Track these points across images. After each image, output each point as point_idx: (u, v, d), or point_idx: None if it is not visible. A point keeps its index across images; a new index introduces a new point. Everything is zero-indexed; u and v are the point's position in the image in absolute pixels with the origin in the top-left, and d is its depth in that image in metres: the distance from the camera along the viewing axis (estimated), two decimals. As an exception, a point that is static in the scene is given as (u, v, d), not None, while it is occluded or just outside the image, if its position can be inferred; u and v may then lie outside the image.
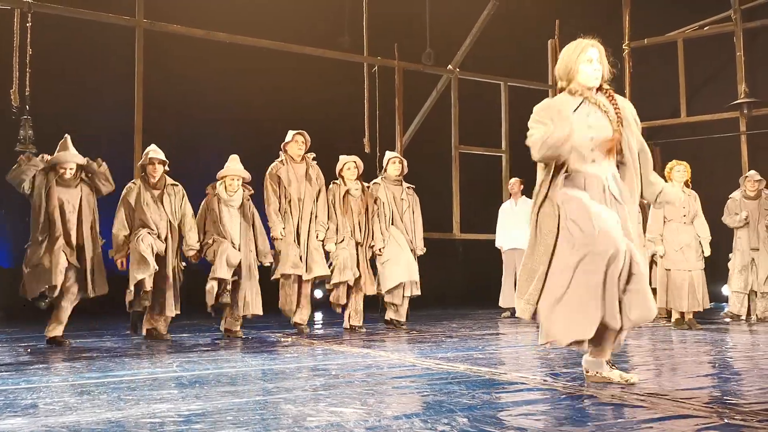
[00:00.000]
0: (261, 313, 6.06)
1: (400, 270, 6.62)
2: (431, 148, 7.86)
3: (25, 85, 6.95)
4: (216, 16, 8.65)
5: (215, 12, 8.70)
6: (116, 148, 7.75)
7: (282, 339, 5.80)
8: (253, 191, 6.10)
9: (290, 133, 6.28)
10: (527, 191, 8.41)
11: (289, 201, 6.22)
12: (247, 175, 6.02)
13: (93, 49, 8.09)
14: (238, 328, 6.03)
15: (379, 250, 6.65)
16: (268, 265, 6.20)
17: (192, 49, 8.08)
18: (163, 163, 5.75)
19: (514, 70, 9.85)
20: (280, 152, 6.31)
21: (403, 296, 6.74)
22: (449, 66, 9.17)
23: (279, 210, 6.17)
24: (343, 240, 6.49)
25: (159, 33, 7.74)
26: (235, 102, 8.46)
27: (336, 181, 6.67)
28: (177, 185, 5.83)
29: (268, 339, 5.85)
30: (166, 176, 5.82)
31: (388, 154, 6.99)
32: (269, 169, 6.24)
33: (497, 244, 8.39)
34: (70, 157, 5.34)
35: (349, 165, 6.67)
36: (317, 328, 7.03)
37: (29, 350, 5.10)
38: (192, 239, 5.80)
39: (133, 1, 7.38)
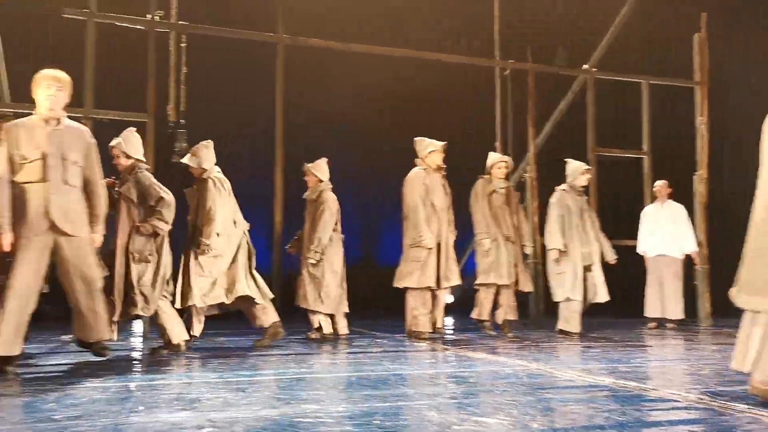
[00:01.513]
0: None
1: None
2: (566, 151, 7.62)
3: (180, 101, 7.53)
4: (351, 29, 8.93)
5: (351, 24, 8.98)
6: (259, 157, 8.19)
7: (416, 343, 5.86)
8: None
9: (435, 143, 6.33)
10: (675, 194, 7.96)
11: (434, 209, 6.28)
12: None
13: (238, 65, 8.62)
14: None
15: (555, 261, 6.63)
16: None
17: (330, 61, 8.40)
18: None
19: (655, 68, 9.36)
20: (418, 160, 6.38)
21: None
22: (585, 66, 8.86)
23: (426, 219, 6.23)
24: (495, 239, 6.56)
25: (299, 47, 8.10)
26: (371, 110, 8.68)
27: (484, 176, 6.74)
28: None
29: (403, 344, 5.93)
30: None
31: (575, 164, 6.87)
32: (413, 176, 6.29)
33: (640, 250, 7.98)
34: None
35: (499, 164, 6.73)
36: (448, 333, 7.04)
37: (188, 347, 5.50)
38: None
39: (274, 18, 7.78)
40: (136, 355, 5.13)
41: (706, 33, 8.91)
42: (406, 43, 8.72)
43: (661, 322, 7.82)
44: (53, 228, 4.09)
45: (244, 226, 5.61)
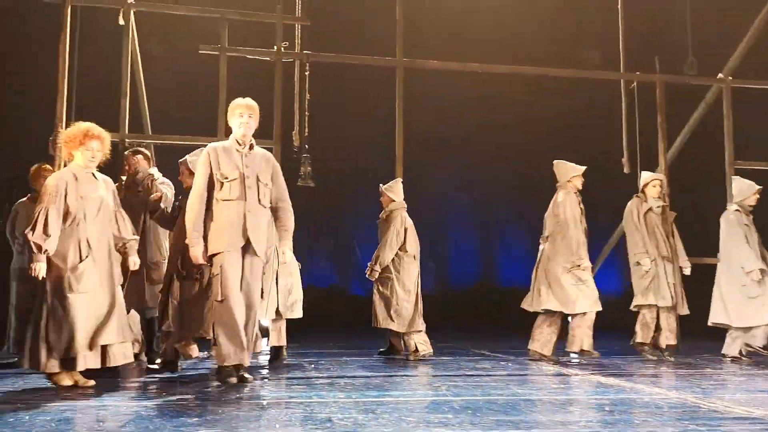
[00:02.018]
0: None
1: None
2: (700, 165, 7.15)
3: (305, 127, 7.81)
4: (468, 48, 8.93)
5: (468, 44, 8.99)
6: (380, 178, 8.32)
7: (544, 366, 5.67)
8: None
9: (577, 168, 6.43)
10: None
11: (584, 230, 6.35)
12: None
13: (359, 90, 8.84)
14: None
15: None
16: None
17: (449, 83, 8.44)
18: None
19: (799, 73, 8.63)
20: (569, 183, 6.39)
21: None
22: (719, 75, 8.31)
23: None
24: (654, 259, 6.49)
25: (417, 70, 8.19)
26: (491, 130, 8.60)
27: (638, 195, 6.75)
28: None
29: (529, 366, 5.76)
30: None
31: (745, 183, 6.85)
32: (569, 197, 6.34)
33: None
34: None
35: (654, 182, 6.75)
36: (561, 356, 6.76)
37: (313, 366, 5.63)
38: None
39: (392, 43, 7.91)
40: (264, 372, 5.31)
41: None
42: (521, 60, 8.57)
43: None
44: (246, 245, 4.38)
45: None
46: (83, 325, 4.21)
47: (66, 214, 4.29)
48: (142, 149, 6.03)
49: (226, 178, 4.40)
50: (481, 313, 13.14)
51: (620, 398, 3.95)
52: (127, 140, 7.21)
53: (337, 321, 12.67)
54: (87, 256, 4.30)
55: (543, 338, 6.25)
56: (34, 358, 4.19)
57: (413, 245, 6.46)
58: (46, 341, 4.16)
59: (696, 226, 8.50)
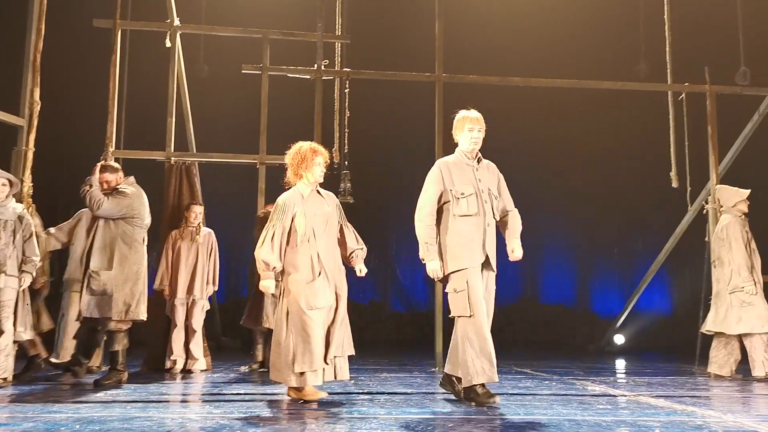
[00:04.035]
0: None
1: None
2: (756, 178, 6.89)
3: (345, 144, 7.84)
4: (509, 62, 8.85)
5: (509, 58, 8.91)
6: (417, 196, 8.27)
7: (589, 386, 5.49)
8: None
9: (742, 193, 6.54)
10: None
11: (752, 253, 6.54)
12: None
13: (398, 106, 8.85)
14: None
15: None
16: None
17: (487, 96, 8.33)
18: None
19: None
20: (733, 208, 6.51)
21: None
22: (772, 84, 8.05)
23: None
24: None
25: (457, 85, 8.15)
26: (532, 142, 8.49)
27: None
28: None
29: (574, 386, 5.59)
30: None
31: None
32: (735, 221, 6.51)
33: None
34: None
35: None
36: (620, 376, 6.53)
37: (353, 381, 5.57)
38: None
39: (432, 58, 7.90)
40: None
41: None
42: (565, 74, 8.44)
43: None
44: (487, 260, 4.38)
45: None
46: (320, 340, 4.30)
47: (295, 232, 4.42)
48: (111, 163, 5.92)
49: (462, 194, 4.39)
50: (524, 329, 12.94)
51: (671, 420, 3.78)
52: (173, 158, 7.36)
53: (378, 337, 12.63)
54: (320, 273, 4.39)
55: (719, 360, 6.46)
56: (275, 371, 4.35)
57: None
58: (293, 356, 4.26)
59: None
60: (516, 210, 4.62)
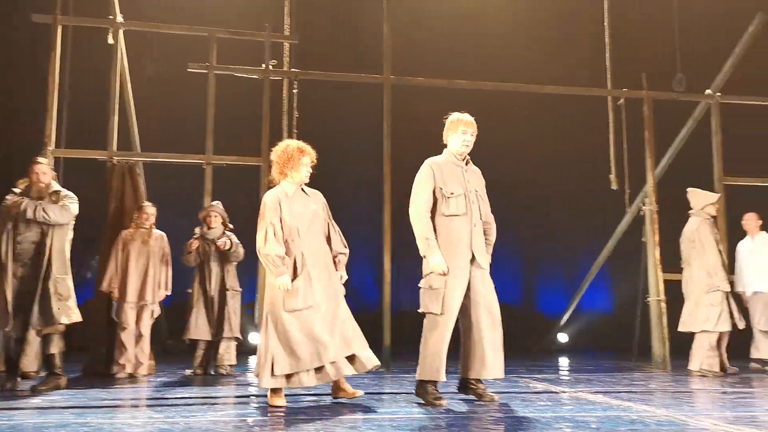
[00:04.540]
0: None
1: None
2: (689, 181, 7.16)
3: (292, 145, 7.79)
4: (456, 66, 8.97)
5: (455, 62, 9.03)
6: (366, 198, 8.31)
7: (531, 384, 5.62)
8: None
9: (711, 197, 6.86)
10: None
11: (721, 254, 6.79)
12: None
13: (346, 107, 8.85)
14: None
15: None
16: None
17: (435, 100, 8.42)
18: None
19: (785, 90, 8.70)
20: (702, 210, 6.74)
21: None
22: (707, 91, 8.36)
23: None
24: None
25: (404, 87, 8.21)
26: (478, 144, 8.53)
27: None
28: None
29: (517, 384, 5.71)
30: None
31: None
32: (704, 224, 6.73)
33: (738, 289, 7.35)
34: None
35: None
36: (563, 374, 6.71)
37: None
38: None
39: (379, 59, 7.94)
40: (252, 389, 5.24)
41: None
42: (509, 78, 8.60)
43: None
44: (473, 260, 4.39)
45: None
46: (302, 342, 4.20)
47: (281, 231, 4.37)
48: (43, 159, 5.63)
49: (452, 193, 4.43)
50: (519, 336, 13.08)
51: (607, 415, 3.91)
52: (115, 158, 7.20)
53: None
54: (302, 273, 4.32)
55: (701, 355, 6.63)
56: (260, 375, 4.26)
57: None
58: (272, 358, 4.19)
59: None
60: (494, 222, 4.66)
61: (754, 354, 7.21)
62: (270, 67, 7.79)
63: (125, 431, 3.35)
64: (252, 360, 7.59)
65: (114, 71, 7.67)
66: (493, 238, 4.63)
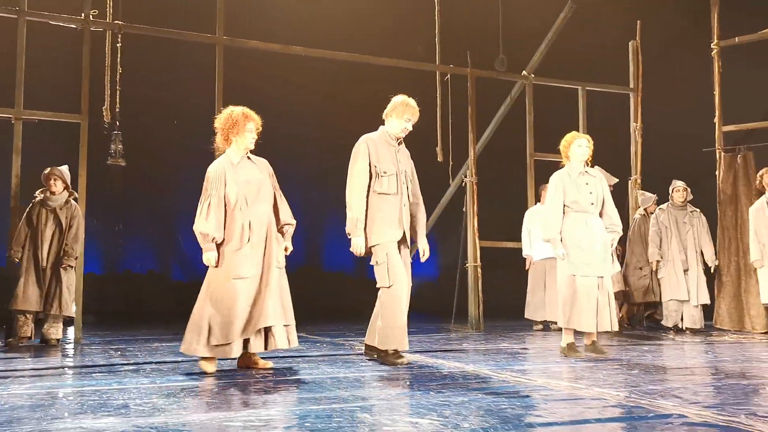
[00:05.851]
0: None
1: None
2: (506, 156, 7.75)
3: (116, 103, 7.32)
4: (292, 31, 8.88)
5: (292, 27, 8.93)
6: (195, 161, 8.04)
7: (355, 346, 5.87)
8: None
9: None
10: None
11: None
12: None
13: (176, 66, 8.46)
14: None
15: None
16: None
17: (270, 64, 8.34)
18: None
19: (591, 74, 9.63)
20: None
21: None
22: (524, 72, 9.03)
23: None
24: None
25: (238, 49, 8.01)
26: (312, 114, 8.64)
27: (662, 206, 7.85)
28: None
29: (343, 347, 5.92)
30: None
31: (675, 183, 7.89)
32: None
33: (525, 253, 8.19)
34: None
35: (678, 187, 7.79)
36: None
37: (119, 353, 5.37)
38: None
39: (213, 20, 7.67)
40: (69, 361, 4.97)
41: (640, 41, 9.21)
42: (348, 47, 8.70)
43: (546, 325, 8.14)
44: (403, 236, 4.65)
45: None
46: (241, 312, 4.15)
47: (227, 201, 4.30)
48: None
49: (385, 172, 4.64)
50: (307, 296, 13.28)
51: (422, 372, 4.20)
52: None
53: (157, 308, 12.13)
54: (248, 241, 4.27)
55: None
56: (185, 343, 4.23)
57: None
58: (208, 327, 4.17)
59: (501, 211, 9.21)
60: (422, 201, 4.89)
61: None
62: (90, 17, 7.23)
63: None
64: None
65: None
66: (424, 219, 4.91)
